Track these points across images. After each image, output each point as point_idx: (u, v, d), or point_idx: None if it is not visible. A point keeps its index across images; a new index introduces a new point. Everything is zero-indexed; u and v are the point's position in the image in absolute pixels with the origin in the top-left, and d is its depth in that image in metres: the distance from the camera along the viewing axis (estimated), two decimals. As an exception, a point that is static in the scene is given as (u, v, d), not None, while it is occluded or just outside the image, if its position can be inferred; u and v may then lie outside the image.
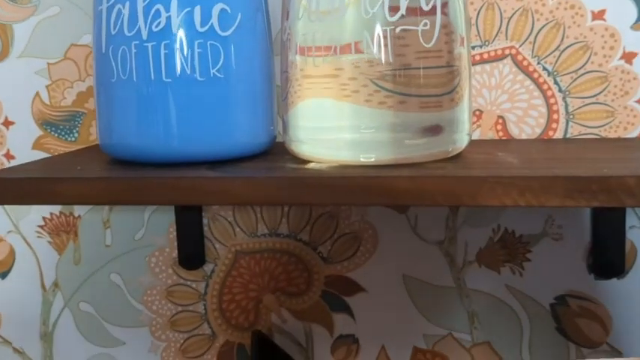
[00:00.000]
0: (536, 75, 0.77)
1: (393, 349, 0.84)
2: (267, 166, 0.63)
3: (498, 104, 0.78)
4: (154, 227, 0.87)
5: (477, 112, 0.79)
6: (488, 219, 0.80)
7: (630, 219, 0.77)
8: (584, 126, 0.77)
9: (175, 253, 0.87)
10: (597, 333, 0.80)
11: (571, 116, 0.77)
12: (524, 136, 0.78)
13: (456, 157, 0.61)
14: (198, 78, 0.61)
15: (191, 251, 0.87)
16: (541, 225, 0.79)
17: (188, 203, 0.62)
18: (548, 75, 0.77)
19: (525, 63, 0.77)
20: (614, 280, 0.79)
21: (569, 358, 0.81)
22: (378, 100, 0.55)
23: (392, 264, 0.83)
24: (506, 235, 0.81)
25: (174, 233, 0.86)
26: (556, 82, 0.77)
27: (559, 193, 0.52)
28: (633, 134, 0.76)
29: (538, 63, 0.77)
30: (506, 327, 0.82)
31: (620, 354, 0.79)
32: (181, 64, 0.61)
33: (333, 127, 0.58)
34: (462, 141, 0.60)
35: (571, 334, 0.80)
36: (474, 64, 0.78)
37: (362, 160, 0.57)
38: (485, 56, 0.78)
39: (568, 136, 0.78)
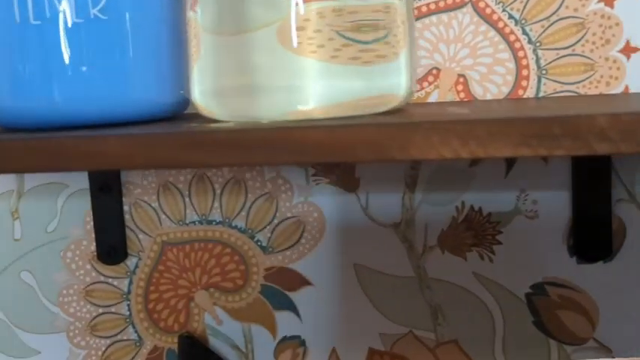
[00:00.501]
0: (501, 24, 0.66)
1: (345, 352, 0.72)
2: (163, 127, 0.51)
3: (458, 60, 0.67)
4: (69, 217, 0.75)
5: (434, 71, 0.67)
6: (451, 195, 0.68)
7: (617, 191, 0.66)
8: (559, 82, 0.65)
9: (94, 246, 0.75)
10: (582, 327, 0.68)
11: (543, 71, 0.66)
12: (489, 97, 0.67)
13: (394, 113, 0.50)
14: (75, 20, 0.50)
15: (111, 243, 0.75)
16: (512, 201, 0.68)
17: (51, 169, 0.50)
18: (516, 24, 0.65)
19: (488, 11, 0.66)
20: (600, 263, 0.67)
21: (549, 357, 0.69)
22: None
23: (341, 252, 0.71)
24: (472, 214, 0.69)
25: (92, 223, 0.75)
26: (525, 33, 0.65)
27: (512, 140, 0.40)
28: (617, 90, 0.65)
29: (503, 10, 0.66)
30: (475, 323, 0.70)
31: (609, 352, 0.68)
32: (52, 1, 0.49)
33: (238, 83, 0.48)
34: (395, 88, 0.49)
35: (551, 329, 0.68)
36: (427, 15, 0.67)
37: (269, 114, 0.46)
38: (442, 4, 0.67)
39: (541, 94, 0.66)
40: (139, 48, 0.53)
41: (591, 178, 0.65)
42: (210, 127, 0.47)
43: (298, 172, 0.71)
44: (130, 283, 0.75)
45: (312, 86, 0.47)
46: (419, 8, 0.67)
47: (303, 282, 0.72)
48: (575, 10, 0.64)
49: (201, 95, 0.50)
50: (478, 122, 0.40)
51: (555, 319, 0.68)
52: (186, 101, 0.56)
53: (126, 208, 0.74)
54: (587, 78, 0.64)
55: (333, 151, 0.43)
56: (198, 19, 0.49)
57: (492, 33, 0.66)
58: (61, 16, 0.49)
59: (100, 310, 0.76)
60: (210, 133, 0.45)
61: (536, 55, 0.65)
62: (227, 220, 0.73)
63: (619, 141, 0.39)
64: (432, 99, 0.67)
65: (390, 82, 0.49)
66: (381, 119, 0.44)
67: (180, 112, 0.57)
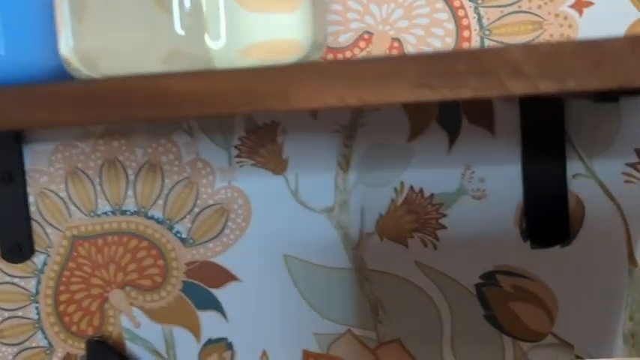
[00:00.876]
0: (439, -19, 0.58)
1: (276, 355, 0.64)
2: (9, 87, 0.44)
3: (392, 23, 0.59)
4: (-31, 210, 0.68)
5: (366, 36, 0.60)
6: (388, 175, 0.61)
7: (573, 165, 0.58)
8: (504, 43, 0.58)
9: (-3, 243, 0.67)
10: (539, 321, 0.60)
11: (487, 32, 0.58)
12: (427, 62, 0.59)
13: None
14: None
15: (16, 239, 0.67)
16: (457, 179, 0.60)
17: None
18: (455, -21, 0.58)
19: (424, -34, 0.59)
20: (557, 248, 0.59)
21: (504, 356, 0.61)
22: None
23: (270, 242, 0.63)
24: (413, 196, 0.61)
25: (-6, 216, 0.67)
26: (465, -11, 0.58)
27: (409, 81, 0.33)
28: (569, 50, 0.57)
29: (440, -36, 0.58)
30: (420, 319, 0.62)
31: (570, 348, 0.60)
32: None
33: (111, 38, 0.41)
34: (295, 38, 0.41)
35: (505, 323, 0.61)
36: (358, -28, 0.59)
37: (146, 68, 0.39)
38: (372, -40, 0.59)
39: (485, 58, 0.58)
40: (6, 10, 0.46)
41: (543, 151, 0.57)
42: (58, 83, 0.39)
43: (220, 153, 0.64)
44: (38, 283, 0.67)
45: (195, 36, 0.39)
46: (347, -35, 0.59)
47: (229, 277, 0.64)
48: (521, -39, 0.57)
49: (73, 53, 0.43)
50: (368, 62, 0.33)
51: (509, 312, 0.60)
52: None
53: (31, 199, 0.66)
54: (536, 37, 0.57)
55: (202, 101, 0.35)
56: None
57: (429, -10, 0.58)
58: None
59: (6, 315, 0.68)
60: (56, 88, 0.37)
61: (478, 14, 0.58)
62: (142, 210, 0.65)
63: (537, 77, 0.32)
64: (364, 67, 0.60)
65: (288, 32, 0.42)
66: (261, 66, 0.36)
67: (61, 75, 0.50)
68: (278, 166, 0.63)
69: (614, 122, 0.57)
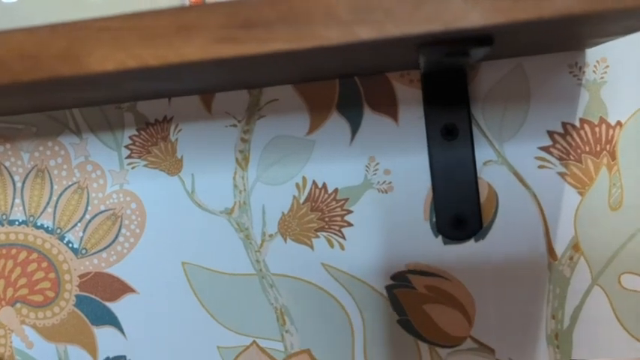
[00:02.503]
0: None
1: (178, 373, 0.59)
2: None
3: None
4: None
5: None
6: (289, 170, 0.56)
7: (483, 151, 0.53)
8: None
9: None
10: (456, 324, 0.55)
11: None
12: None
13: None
14: None
15: None
16: (361, 172, 0.55)
17: None
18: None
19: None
20: (471, 243, 0.54)
21: (420, 363, 0.56)
22: None
23: (167, 249, 0.59)
24: (316, 192, 0.56)
25: None
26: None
27: (210, 35, 0.28)
28: None
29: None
30: (329, 326, 0.57)
31: (491, 352, 0.54)
32: None
33: None
34: None
35: (420, 328, 0.55)
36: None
37: None
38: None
39: None
40: None
41: (450, 138, 0.53)
42: None
43: (110, 154, 0.59)
44: None
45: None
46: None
47: (125, 289, 0.59)
48: None
49: None
50: (163, 15, 0.28)
51: (424, 316, 0.55)
52: None
53: None
54: None
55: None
56: None
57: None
58: None
59: None
60: None
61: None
62: (31, 219, 0.60)
63: (354, 23, 0.27)
64: None
65: None
66: (42, 26, 0.32)
67: None
68: (172, 166, 0.58)
69: (523, 104, 0.52)
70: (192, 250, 0.58)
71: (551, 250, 0.53)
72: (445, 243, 0.54)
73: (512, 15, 0.27)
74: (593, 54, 0.51)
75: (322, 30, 0.27)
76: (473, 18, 0.26)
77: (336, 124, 0.55)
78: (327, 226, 0.56)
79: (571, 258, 0.52)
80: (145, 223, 0.59)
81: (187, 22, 0.28)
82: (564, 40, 0.42)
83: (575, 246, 0.52)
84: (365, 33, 0.27)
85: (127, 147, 0.59)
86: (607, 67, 0.51)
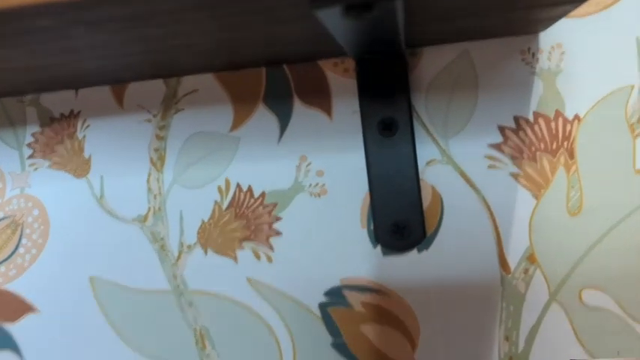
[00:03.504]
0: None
1: (83, 405, 0.51)
2: None
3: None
4: None
5: None
6: (210, 171, 0.49)
7: (425, 148, 0.47)
8: None
9: None
10: (398, 347, 0.48)
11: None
12: None
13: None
14: None
15: None
16: (292, 173, 0.49)
17: None
18: None
19: None
20: (414, 254, 0.48)
21: (358, 393, 0.49)
22: None
23: (73, 261, 0.51)
24: (241, 196, 0.50)
25: None
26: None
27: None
28: None
29: None
30: (255, 350, 0.50)
31: (437, 379, 0.48)
32: None
33: None
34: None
35: (358, 352, 0.48)
36: None
37: None
38: None
39: None
40: None
41: (387, 132, 0.47)
42: None
43: (10, 154, 0.52)
44: None
45: None
46: None
47: (25, 308, 0.52)
48: None
49: None
50: None
51: (361, 338, 0.48)
52: None
53: None
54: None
55: None
56: None
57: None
58: None
59: None
60: None
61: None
62: None
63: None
64: None
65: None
66: None
67: None
68: (79, 167, 0.51)
69: (470, 95, 0.46)
70: (100, 263, 0.51)
71: (503, 261, 0.46)
72: (384, 254, 0.48)
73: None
74: (548, 39, 0.45)
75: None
76: None
77: (263, 118, 0.49)
78: (252, 236, 0.49)
79: (526, 271, 0.46)
80: (49, 232, 0.51)
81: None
82: (505, 10, 0.36)
83: (530, 257, 0.46)
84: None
85: (29, 145, 0.52)
86: (563, 53, 0.45)
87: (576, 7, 0.35)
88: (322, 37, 0.42)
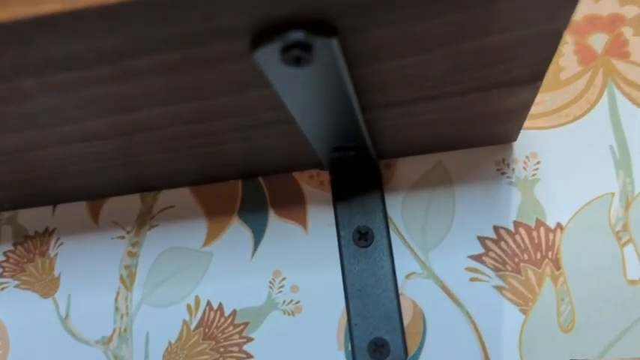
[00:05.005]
0: None
1: None
2: None
3: None
4: None
5: None
6: (181, 289, 0.47)
7: (404, 261, 0.45)
8: None
9: None
10: None
11: None
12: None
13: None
14: None
15: None
16: (264, 289, 0.46)
17: None
18: None
19: None
20: (396, 376, 0.44)
21: None
22: None
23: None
24: (211, 315, 0.46)
25: None
26: None
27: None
28: None
29: None
30: None
31: None
32: None
33: None
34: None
35: None
36: None
37: None
38: None
39: None
40: None
41: (363, 242, 0.45)
42: None
43: (-21, 273, 0.51)
44: None
45: None
46: None
47: None
48: None
49: None
50: None
51: None
52: None
53: None
54: None
55: None
56: None
57: None
58: None
59: None
60: None
61: None
62: None
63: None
64: None
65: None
66: None
67: None
68: (47, 287, 0.49)
69: (448, 206, 0.45)
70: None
71: (494, 385, 0.42)
72: (364, 377, 0.43)
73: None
74: (522, 149, 0.45)
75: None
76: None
77: (237, 232, 0.48)
78: (221, 358, 0.45)
79: (520, 395, 0.41)
80: (7, 355, 0.48)
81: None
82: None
83: (523, 379, 0.42)
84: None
85: (0, 264, 0.50)
86: (538, 162, 0.45)
87: (532, 92, 0.35)
88: (298, 147, 0.43)
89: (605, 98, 0.45)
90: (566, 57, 0.46)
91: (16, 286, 0.50)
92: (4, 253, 0.51)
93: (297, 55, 0.25)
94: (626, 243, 0.43)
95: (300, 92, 0.30)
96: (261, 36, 0.26)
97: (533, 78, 0.34)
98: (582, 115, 0.45)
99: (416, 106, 0.36)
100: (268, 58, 0.26)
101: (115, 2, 0.22)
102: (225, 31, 0.26)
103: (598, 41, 0.46)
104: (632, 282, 0.42)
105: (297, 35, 0.25)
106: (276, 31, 0.25)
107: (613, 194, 0.43)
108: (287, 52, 0.25)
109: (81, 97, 0.31)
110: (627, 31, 0.46)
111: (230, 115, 0.36)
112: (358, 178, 0.46)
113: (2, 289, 0.50)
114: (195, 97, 0.33)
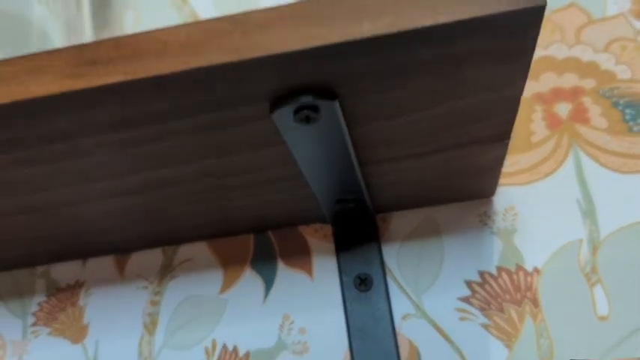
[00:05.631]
0: None
1: None
2: None
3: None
4: None
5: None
6: (199, 333, 0.52)
7: (400, 303, 0.50)
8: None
9: None
10: None
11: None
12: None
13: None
14: None
15: None
16: (274, 332, 0.51)
17: None
18: None
19: None
20: (395, 409, 0.48)
21: None
22: None
23: None
24: (226, 357, 0.51)
25: None
26: None
27: (59, 71, 0.29)
28: None
29: None
30: None
31: None
32: None
33: None
34: None
35: None
36: None
37: None
38: None
39: None
40: None
41: (363, 286, 0.50)
42: None
43: (14, 322, 0.55)
44: None
45: None
46: None
47: None
48: None
49: None
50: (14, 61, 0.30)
51: None
52: None
53: None
54: (350, 177, 0.54)
55: None
56: None
57: None
58: None
59: None
60: None
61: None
62: None
63: (186, 55, 0.29)
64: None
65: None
66: None
67: None
68: (77, 333, 0.54)
69: (437, 254, 0.51)
70: None
71: (484, 414, 0.46)
72: (366, 410, 0.48)
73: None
74: (501, 203, 0.51)
75: (155, 62, 0.29)
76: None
77: (249, 281, 0.53)
78: (235, 396, 0.50)
79: (507, 423, 0.46)
80: None
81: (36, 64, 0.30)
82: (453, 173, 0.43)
83: (510, 408, 0.46)
84: (193, 62, 0.29)
85: (33, 314, 0.55)
86: (516, 214, 0.51)
87: (502, 149, 0.42)
88: (304, 201, 0.49)
89: (570, 158, 0.52)
90: (536, 123, 0.54)
91: (48, 334, 0.55)
92: (38, 304, 0.56)
93: (307, 115, 0.32)
94: (594, 283, 0.48)
95: (308, 147, 0.37)
96: (278, 100, 0.32)
97: (501, 137, 0.41)
98: (551, 172, 0.52)
99: (404, 163, 0.43)
100: (283, 118, 0.33)
101: (167, 73, 0.29)
102: (249, 97, 0.32)
103: (563, 109, 0.54)
104: (602, 318, 0.47)
105: (306, 99, 0.32)
106: (290, 96, 0.32)
107: (581, 240, 0.49)
108: (299, 113, 0.32)
109: (126, 154, 0.38)
110: (587, 101, 0.54)
111: (246, 172, 0.42)
112: (358, 230, 0.52)
113: (35, 336, 0.55)
114: (218, 154, 0.39)
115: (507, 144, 0.41)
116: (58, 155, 0.37)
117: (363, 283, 0.51)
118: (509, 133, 0.40)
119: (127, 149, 0.37)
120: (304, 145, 0.37)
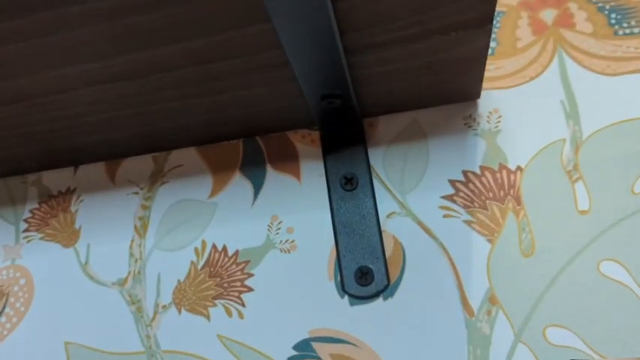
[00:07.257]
0: None
1: None
2: None
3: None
4: None
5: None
6: (189, 235, 0.53)
7: (386, 203, 0.51)
8: None
9: None
10: (369, 399, 0.47)
11: None
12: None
13: None
14: None
15: None
16: (263, 232, 0.52)
17: None
18: None
19: None
20: (379, 301, 0.49)
21: None
22: None
23: (51, 328, 0.52)
24: (216, 256, 0.53)
25: None
26: None
27: None
28: None
29: None
30: (224, 411, 0.48)
31: None
32: None
33: None
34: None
35: (327, 407, 0.47)
36: None
37: None
38: None
39: None
40: None
41: (349, 186, 0.51)
42: None
43: (7, 229, 0.56)
44: None
45: None
46: None
47: (-4, 377, 0.52)
48: None
49: None
50: None
51: (331, 390, 0.47)
52: None
53: None
54: None
55: None
56: None
57: None
58: None
59: None
60: None
61: None
62: None
63: None
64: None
65: None
66: None
67: None
68: (69, 238, 0.55)
69: (423, 156, 0.52)
70: (77, 328, 0.52)
71: (466, 304, 0.47)
72: (352, 304, 0.49)
73: None
74: (485, 105, 0.52)
75: None
76: None
77: (239, 185, 0.54)
78: (225, 293, 0.51)
79: (489, 312, 0.47)
80: (32, 300, 0.54)
81: None
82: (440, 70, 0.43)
83: (491, 298, 0.47)
84: None
85: (25, 220, 0.56)
86: (500, 117, 0.52)
87: (485, 37, 0.42)
88: (291, 98, 0.49)
89: (555, 61, 0.53)
90: (522, 29, 0.54)
91: (41, 239, 0.56)
92: (30, 211, 0.57)
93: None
94: (576, 180, 0.49)
95: (294, 21, 0.37)
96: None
97: (484, 20, 0.41)
98: (536, 76, 0.52)
99: (389, 50, 0.43)
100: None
101: None
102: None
103: (548, 15, 0.54)
104: (582, 212, 0.48)
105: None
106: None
107: (564, 140, 0.50)
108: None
109: (111, 28, 0.38)
110: (573, 6, 0.54)
111: (234, 56, 0.42)
112: (345, 134, 0.53)
113: (28, 241, 0.56)
114: (203, 32, 0.39)
115: (490, 30, 0.42)
116: (42, 28, 0.37)
117: (349, 182, 0.51)
118: (492, 16, 0.41)
119: (112, 21, 0.37)
120: (289, 21, 0.37)
